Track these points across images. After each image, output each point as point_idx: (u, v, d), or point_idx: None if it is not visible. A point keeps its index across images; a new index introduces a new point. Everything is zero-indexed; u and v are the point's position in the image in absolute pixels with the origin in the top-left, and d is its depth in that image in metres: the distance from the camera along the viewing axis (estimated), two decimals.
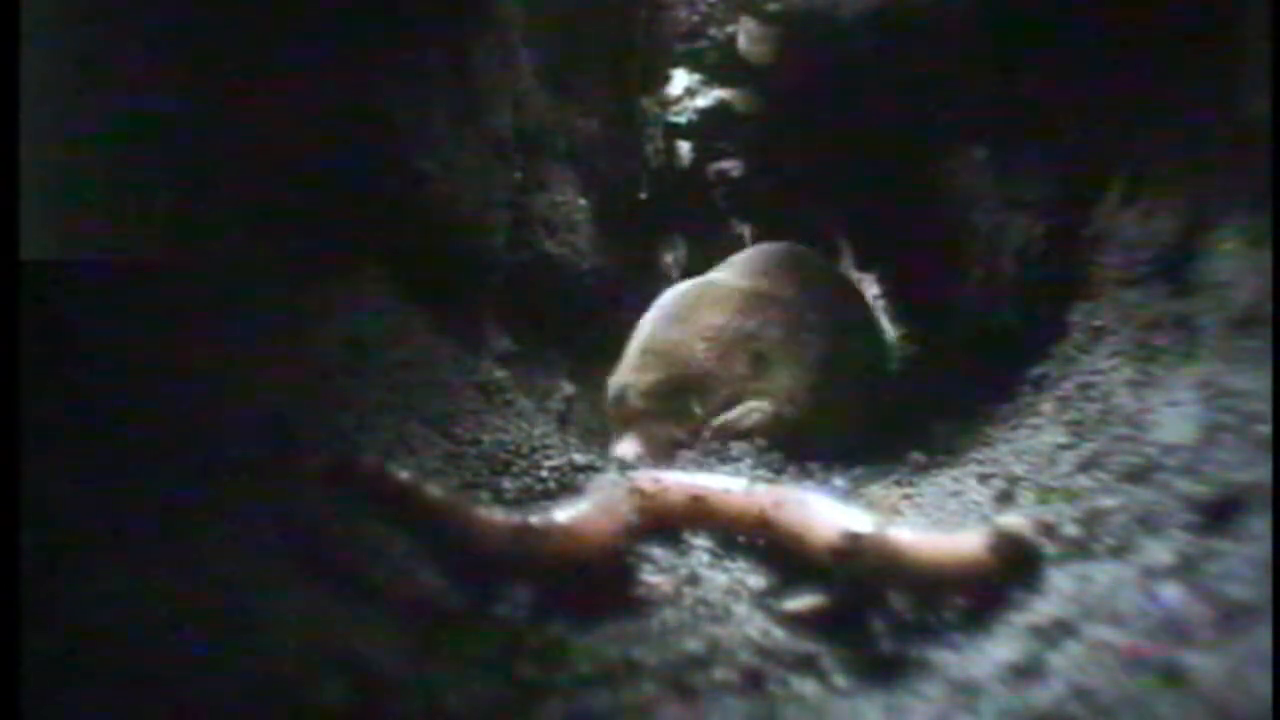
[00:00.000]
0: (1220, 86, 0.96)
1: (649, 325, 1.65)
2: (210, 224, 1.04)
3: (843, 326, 1.76)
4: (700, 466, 1.35)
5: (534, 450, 1.23)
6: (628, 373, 1.58)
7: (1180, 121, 1.07)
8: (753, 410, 1.52)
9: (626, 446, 1.49)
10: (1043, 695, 0.62)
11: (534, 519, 0.81)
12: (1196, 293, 0.95)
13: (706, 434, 1.48)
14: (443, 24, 1.39)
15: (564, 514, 0.83)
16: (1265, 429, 0.73)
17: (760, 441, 1.44)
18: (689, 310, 1.64)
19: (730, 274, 1.79)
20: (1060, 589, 0.74)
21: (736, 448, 1.43)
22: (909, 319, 2.29)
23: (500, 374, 1.46)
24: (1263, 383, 0.76)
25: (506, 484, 1.09)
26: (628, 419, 1.54)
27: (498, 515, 0.81)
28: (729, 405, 1.53)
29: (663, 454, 1.47)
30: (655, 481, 0.96)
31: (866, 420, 1.69)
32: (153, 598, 0.65)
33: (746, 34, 2.08)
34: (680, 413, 1.52)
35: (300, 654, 0.63)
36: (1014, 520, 0.81)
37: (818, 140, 2.15)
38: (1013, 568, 0.78)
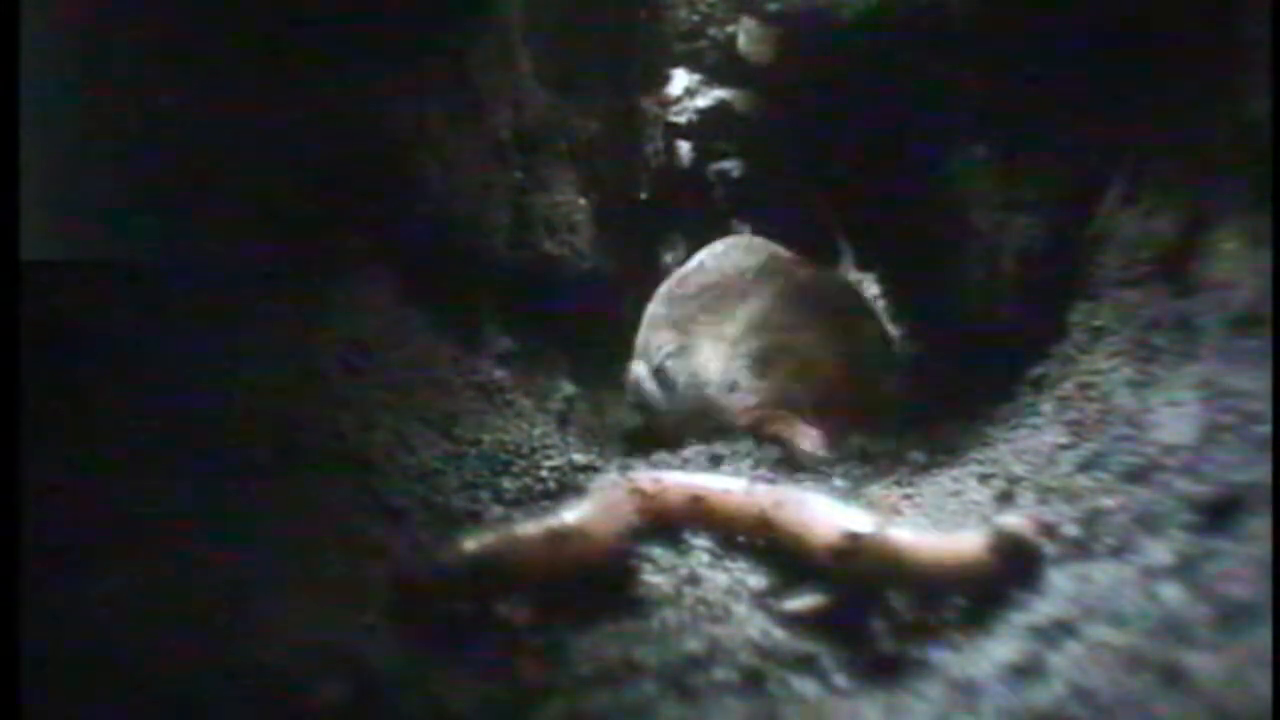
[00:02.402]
0: (1220, 86, 0.96)
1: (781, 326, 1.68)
2: (210, 224, 1.04)
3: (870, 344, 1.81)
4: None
5: (534, 450, 1.23)
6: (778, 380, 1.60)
7: (1180, 121, 1.07)
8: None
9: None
10: (1043, 695, 0.62)
11: (556, 523, 0.81)
12: (1196, 293, 0.95)
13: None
14: (442, 24, 1.39)
15: (572, 515, 0.83)
16: (1265, 429, 0.73)
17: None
18: (830, 330, 1.68)
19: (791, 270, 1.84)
20: (1060, 589, 0.74)
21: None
22: (909, 319, 2.28)
23: (500, 374, 1.46)
24: (1263, 383, 0.76)
25: (506, 484, 1.09)
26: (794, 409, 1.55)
27: (531, 528, 0.81)
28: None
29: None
30: (655, 481, 0.96)
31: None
32: (152, 597, 0.65)
33: (746, 34, 2.08)
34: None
35: (300, 654, 0.63)
36: (1014, 520, 0.81)
37: (818, 140, 2.15)
38: (1013, 568, 0.78)
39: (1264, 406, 0.74)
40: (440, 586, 0.76)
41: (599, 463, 1.29)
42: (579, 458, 1.26)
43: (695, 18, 2.23)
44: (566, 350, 1.90)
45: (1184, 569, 0.67)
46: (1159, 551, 0.71)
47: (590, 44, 2.00)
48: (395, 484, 0.97)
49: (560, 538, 0.80)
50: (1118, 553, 0.75)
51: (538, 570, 0.79)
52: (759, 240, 2.01)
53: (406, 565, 0.79)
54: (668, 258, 2.58)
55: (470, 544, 0.78)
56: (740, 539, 0.95)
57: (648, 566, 0.89)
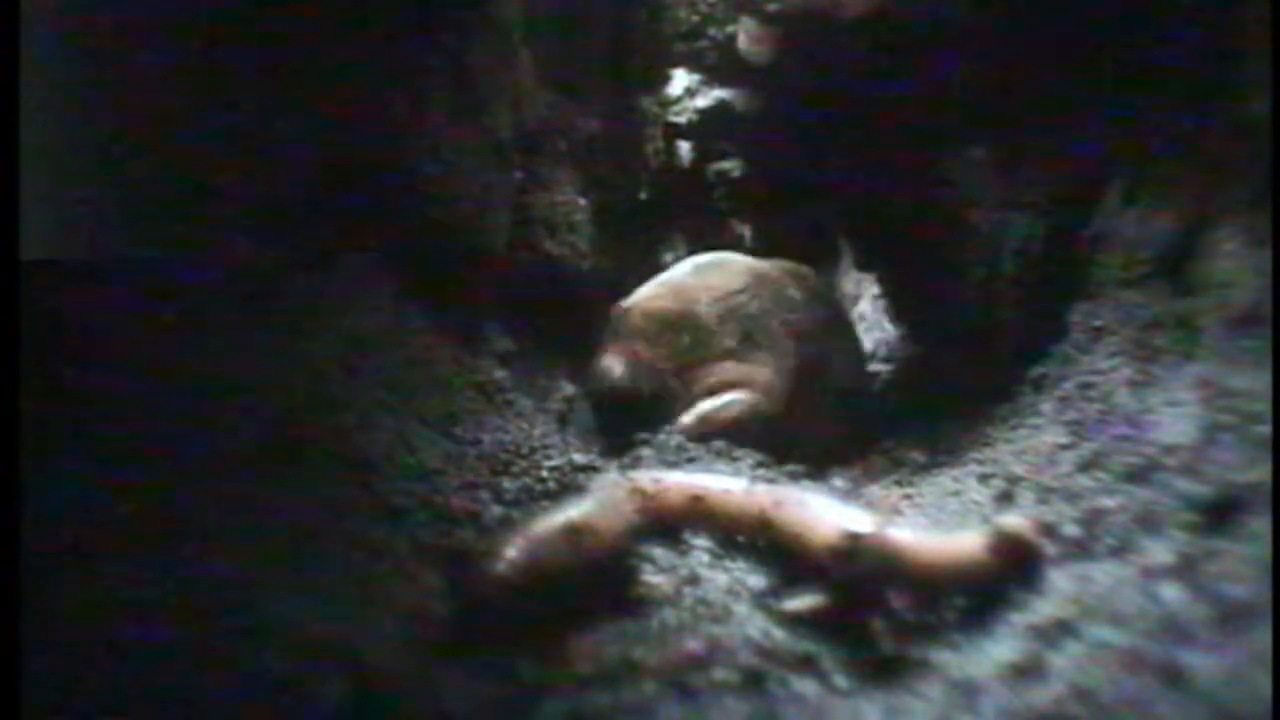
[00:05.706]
0: (1220, 86, 0.96)
1: (668, 271, 1.79)
2: (210, 224, 1.04)
3: (828, 346, 1.80)
4: (682, 454, 1.36)
5: (534, 450, 1.23)
6: (636, 297, 1.68)
7: (1180, 121, 1.07)
8: (733, 402, 1.54)
9: (612, 360, 1.55)
10: (1043, 695, 0.62)
11: (568, 521, 0.81)
12: (1196, 293, 0.95)
13: (687, 420, 1.49)
14: (442, 24, 1.39)
15: (576, 513, 0.83)
16: (1265, 429, 0.73)
17: (738, 436, 1.45)
18: (705, 269, 1.76)
19: (749, 260, 1.87)
20: (1060, 589, 0.74)
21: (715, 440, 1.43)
22: (909, 319, 2.28)
23: (500, 374, 1.46)
24: (1263, 383, 0.76)
25: (506, 484, 1.09)
26: (620, 334, 1.60)
27: (547, 527, 0.81)
28: (711, 368, 1.58)
29: (645, 380, 1.52)
30: (655, 481, 0.96)
31: (849, 430, 1.72)
32: (153, 598, 0.65)
33: (746, 34, 2.08)
34: (673, 345, 1.58)
35: (300, 654, 0.63)
36: (1014, 520, 0.81)
37: (818, 140, 2.15)
38: (1013, 568, 0.78)
39: (1264, 406, 0.74)
40: (500, 597, 0.75)
41: (599, 463, 1.29)
42: (579, 458, 1.26)
43: (695, 18, 2.23)
44: (566, 350, 1.90)
45: (1184, 569, 0.67)
46: (1159, 551, 0.71)
47: (590, 44, 2.00)
48: (395, 484, 0.97)
49: (577, 534, 0.80)
50: (1118, 553, 0.75)
51: (560, 569, 0.79)
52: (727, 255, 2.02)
53: (465, 580, 0.78)
54: (668, 258, 2.58)
55: (512, 550, 0.77)
56: (740, 539, 0.95)
57: (648, 566, 0.89)
